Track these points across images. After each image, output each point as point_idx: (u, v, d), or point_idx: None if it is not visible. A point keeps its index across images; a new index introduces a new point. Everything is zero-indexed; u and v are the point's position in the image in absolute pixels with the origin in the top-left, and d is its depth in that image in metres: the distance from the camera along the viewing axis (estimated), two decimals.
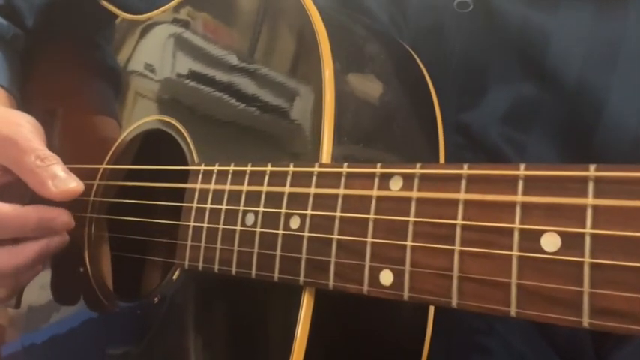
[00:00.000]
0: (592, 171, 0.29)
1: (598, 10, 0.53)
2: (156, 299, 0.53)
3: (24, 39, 0.75)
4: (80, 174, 0.54)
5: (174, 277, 0.51)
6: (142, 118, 0.61)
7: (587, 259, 0.28)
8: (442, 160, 0.50)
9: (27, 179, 0.53)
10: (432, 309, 0.46)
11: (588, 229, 0.28)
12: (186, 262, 0.49)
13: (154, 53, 0.63)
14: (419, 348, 0.46)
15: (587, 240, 0.28)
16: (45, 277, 0.65)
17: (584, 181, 0.29)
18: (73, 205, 0.55)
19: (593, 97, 0.52)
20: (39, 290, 0.66)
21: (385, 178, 0.37)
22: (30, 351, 0.67)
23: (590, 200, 0.29)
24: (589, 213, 0.28)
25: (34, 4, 0.73)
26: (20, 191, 0.56)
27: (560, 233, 0.29)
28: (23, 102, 0.71)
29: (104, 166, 0.62)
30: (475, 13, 0.55)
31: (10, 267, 0.53)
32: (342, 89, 0.45)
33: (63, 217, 0.55)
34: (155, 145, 0.61)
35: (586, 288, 0.28)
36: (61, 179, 0.53)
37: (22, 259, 0.53)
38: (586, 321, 0.28)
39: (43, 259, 0.55)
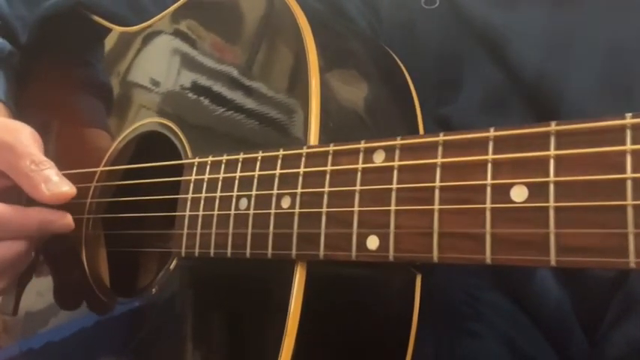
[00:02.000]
0: (553, 126, 0.32)
1: (552, 5, 0.57)
2: (154, 290, 0.55)
3: (18, 55, 0.77)
4: (77, 177, 0.57)
5: (172, 267, 0.53)
6: (136, 122, 0.64)
7: (551, 204, 0.31)
8: None
9: (21, 183, 0.55)
10: (418, 281, 0.48)
11: (552, 178, 0.31)
12: (183, 250, 0.51)
13: (149, 63, 0.66)
14: (407, 325, 0.49)
15: (552, 188, 0.31)
16: (43, 282, 0.67)
17: (546, 136, 0.32)
18: (71, 206, 0.57)
19: (553, 86, 0.56)
20: (36, 295, 0.68)
21: (369, 152, 0.40)
22: (27, 356, 0.68)
23: (552, 152, 0.32)
24: (552, 163, 0.32)
25: (26, 20, 0.76)
26: (18, 196, 0.58)
27: (527, 184, 0.32)
28: (18, 116, 0.73)
29: (101, 168, 0.65)
30: (442, 9, 0.59)
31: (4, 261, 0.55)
32: (326, 80, 0.48)
33: (64, 219, 0.56)
34: (150, 148, 0.63)
35: (552, 229, 0.31)
36: (54, 183, 0.54)
37: (14, 253, 0.55)
38: (553, 259, 0.31)
39: (32, 250, 0.57)
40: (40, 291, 0.67)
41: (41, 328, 0.67)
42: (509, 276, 0.59)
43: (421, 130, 0.55)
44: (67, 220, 0.57)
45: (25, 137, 0.57)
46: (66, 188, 0.55)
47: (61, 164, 0.58)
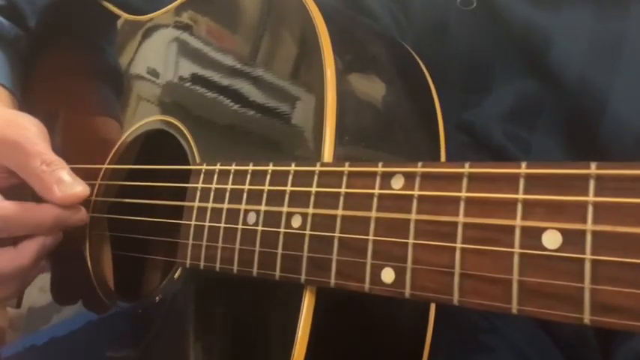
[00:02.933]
0: (593, 169, 0.29)
1: (599, 9, 0.53)
2: (157, 298, 0.53)
3: (26, 40, 0.75)
4: (82, 174, 0.54)
5: (176, 276, 0.51)
6: (143, 118, 0.61)
7: (588, 256, 0.28)
8: (443, 159, 0.50)
9: (33, 183, 0.54)
10: (432, 308, 0.46)
11: (589, 226, 0.28)
12: (188, 261, 0.49)
13: (156, 54, 0.64)
14: (420, 347, 0.46)
15: (589, 237, 0.28)
16: (46, 278, 0.65)
17: (585, 178, 0.29)
18: None
19: (596, 95, 0.52)
20: (39, 292, 0.66)
21: (387, 177, 0.37)
22: (30, 353, 0.67)
23: (591, 198, 0.29)
24: (590, 210, 0.29)
25: (37, 4, 0.73)
26: (25, 193, 0.56)
27: (561, 230, 0.29)
28: (25, 102, 0.71)
29: (106, 165, 0.63)
30: (478, 11, 0.56)
31: (13, 268, 0.53)
32: (343, 89, 0.45)
33: (78, 214, 0.55)
34: (157, 146, 0.61)
35: (587, 284, 0.28)
36: (67, 184, 0.53)
37: (26, 260, 0.53)
38: (587, 318, 0.28)
39: (43, 257, 0.55)
40: (43, 287, 0.66)
41: (44, 325, 0.66)
42: None
43: (442, 138, 0.52)
44: (82, 214, 0.55)
45: (33, 134, 0.55)
46: (79, 189, 0.53)
47: (69, 153, 0.56)
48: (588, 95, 0.53)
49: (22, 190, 0.55)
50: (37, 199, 0.54)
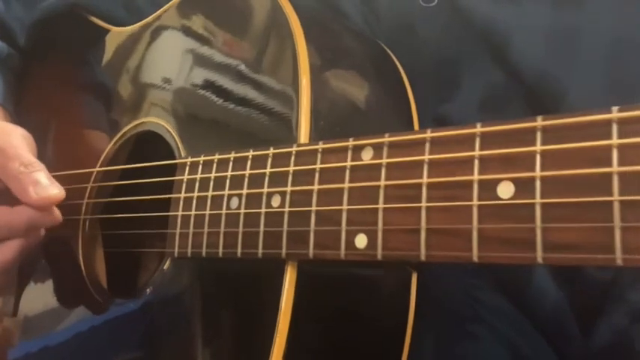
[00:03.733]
0: (539, 121, 0.31)
1: (556, 2, 0.56)
2: (148, 291, 0.54)
3: (17, 57, 0.77)
4: (74, 178, 0.56)
5: (165, 267, 0.53)
6: (131, 122, 0.64)
7: (538, 200, 0.31)
8: None
9: (10, 185, 0.55)
10: (414, 283, 0.48)
11: (538, 173, 0.31)
12: (176, 250, 0.51)
13: (142, 61, 0.66)
14: (403, 321, 0.48)
15: (538, 183, 0.31)
16: (41, 280, 0.67)
17: (532, 131, 0.32)
18: (68, 207, 0.57)
19: (555, 86, 0.55)
20: (34, 297, 0.68)
21: (357, 150, 0.40)
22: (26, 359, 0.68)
23: (538, 147, 0.31)
24: (538, 159, 0.31)
25: (24, 22, 0.76)
26: (10, 198, 0.57)
27: (513, 180, 0.32)
28: (17, 117, 0.73)
29: (97, 168, 0.65)
30: (441, 7, 0.58)
31: None
32: (317, 78, 0.47)
33: (51, 215, 0.56)
34: (145, 149, 0.63)
35: (538, 225, 0.30)
36: (42, 186, 0.54)
37: (8, 257, 0.55)
38: (540, 256, 0.30)
39: (24, 255, 0.57)
40: (37, 293, 0.67)
41: (38, 332, 0.67)
42: (507, 277, 0.58)
43: (416, 126, 0.54)
44: (55, 215, 0.56)
45: (15, 139, 0.57)
46: (55, 192, 0.54)
47: (60, 165, 0.57)
48: (548, 87, 0.55)
49: (4, 196, 0.57)
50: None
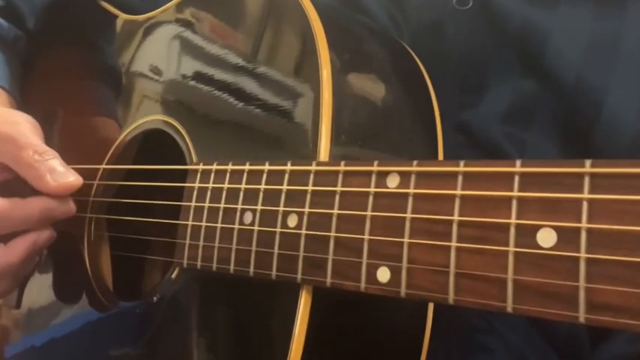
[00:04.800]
0: (588, 166, 0.29)
1: (597, 9, 0.53)
2: (155, 299, 0.53)
3: (25, 40, 0.75)
4: (80, 174, 0.54)
5: (173, 276, 0.51)
6: (141, 118, 0.61)
7: (582, 254, 0.28)
8: (441, 158, 0.50)
9: (25, 174, 0.53)
10: (430, 308, 0.46)
11: (584, 224, 0.28)
12: (185, 261, 0.49)
13: (154, 54, 0.64)
14: (418, 347, 0.46)
15: (583, 235, 0.28)
16: (45, 278, 0.65)
17: (580, 176, 0.29)
18: (75, 203, 0.55)
19: (592, 94, 0.52)
20: (39, 292, 0.66)
21: (382, 176, 0.37)
22: (29, 353, 0.67)
23: (585, 195, 0.28)
24: (584, 208, 0.28)
25: (35, 5, 0.73)
26: (20, 188, 0.56)
27: (556, 228, 0.29)
28: (24, 103, 0.71)
29: (103, 166, 0.63)
30: (474, 10, 0.55)
31: (2, 267, 0.53)
32: (339, 88, 0.45)
33: (66, 205, 0.54)
34: (154, 145, 0.61)
35: (582, 283, 0.28)
36: (60, 173, 0.52)
37: (16, 258, 0.53)
38: (582, 316, 0.28)
39: (35, 253, 0.55)
40: (42, 288, 0.66)
41: (43, 326, 0.66)
42: None
43: (439, 137, 0.51)
44: (69, 205, 0.54)
45: (25, 128, 0.55)
46: (72, 178, 0.53)
47: (67, 154, 0.56)
48: (585, 95, 0.52)
49: (14, 187, 0.55)
50: (35, 194, 0.54)
